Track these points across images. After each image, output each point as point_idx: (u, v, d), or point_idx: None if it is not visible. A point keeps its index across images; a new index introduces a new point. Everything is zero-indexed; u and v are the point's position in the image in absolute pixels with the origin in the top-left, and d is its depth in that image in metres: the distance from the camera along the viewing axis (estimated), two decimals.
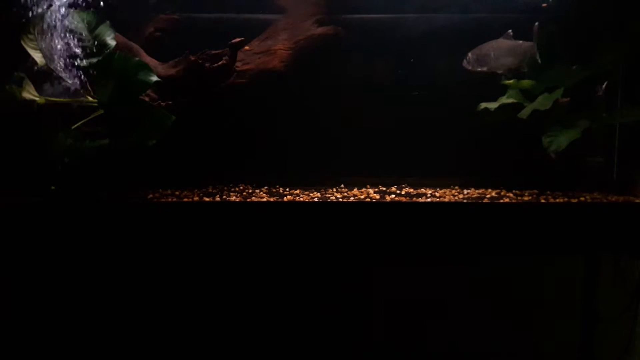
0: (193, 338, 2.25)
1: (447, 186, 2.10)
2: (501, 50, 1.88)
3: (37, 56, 1.79)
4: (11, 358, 2.16)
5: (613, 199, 1.86)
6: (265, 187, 2.07)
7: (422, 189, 2.04)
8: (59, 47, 1.81)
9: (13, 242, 1.71)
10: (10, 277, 2.11)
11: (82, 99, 1.83)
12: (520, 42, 1.90)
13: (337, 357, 2.28)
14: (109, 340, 2.20)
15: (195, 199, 1.81)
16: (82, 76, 1.82)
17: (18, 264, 2.11)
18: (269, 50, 2.12)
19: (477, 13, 2.17)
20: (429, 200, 1.84)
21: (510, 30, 1.88)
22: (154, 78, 1.77)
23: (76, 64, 1.82)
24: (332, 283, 2.25)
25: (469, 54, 1.92)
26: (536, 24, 1.89)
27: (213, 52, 1.99)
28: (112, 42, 1.84)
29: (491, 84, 2.05)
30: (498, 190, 2.01)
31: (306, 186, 2.07)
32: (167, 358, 2.25)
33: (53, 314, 2.17)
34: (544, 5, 2.12)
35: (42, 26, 1.80)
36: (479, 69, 1.87)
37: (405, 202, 1.81)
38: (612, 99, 2.09)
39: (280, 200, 1.81)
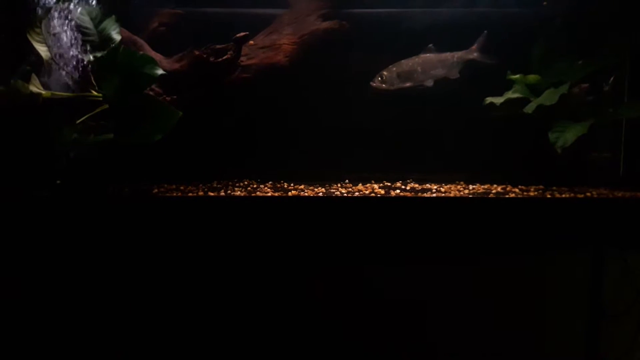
0: (199, 332, 2.25)
1: (452, 182, 2.09)
2: (430, 63, 1.98)
3: (43, 50, 1.79)
4: (16, 354, 2.16)
5: (620, 195, 1.85)
6: (270, 182, 2.07)
7: (427, 185, 2.04)
8: (65, 41, 1.81)
9: (18, 236, 1.71)
10: (15, 271, 2.12)
11: (88, 93, 1.83)
12: (448, 53, 1.99)
13: (341, 354, 2.28)
14: (114, 334, 2.20)
15: (200, 193, 1.81)
16: (88, 70, 1.82)
17: (23, 257, 2.11)
18: (273, 44, 2.12)
19: (482, 7, 2.17)
20: (434, 195, 1.83)
21: (431, 44, 1.98)
22: (159, 71, 1.76)
23: (81, 58, 1.83)
24: (336, 278, 2.24)
25: (384, 73, 1.96)
26: (484, 31, 1.99)
27: (218, 46, 1.98)
28: (117, 37, 1.84)
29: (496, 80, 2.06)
30: (504, 186, 2.00)
31: (311, 181, 2.06)
32: (175, 352, 2.25)
33: (58, 308, 2.17)
34: (545, 3, 2.13)
35: (49, 20, 1.80)
36: (401, 86, 1.94)
37: (410, 197, 1.80)
38: (619, 94, 2.08)
39: (285, 195, 1.81)
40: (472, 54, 2.00)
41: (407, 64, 1.94)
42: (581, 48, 2.03)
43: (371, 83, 1.92)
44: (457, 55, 1.99)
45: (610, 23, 2.06)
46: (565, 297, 2.26)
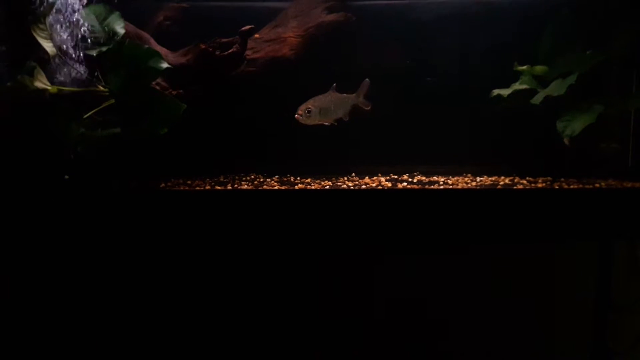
0: (207, 327, 2.26)
1: (459, 174, 2.08)
2: (337, 102, 2.03)
3: (48, 46, 1.79)
4: (24, 351, 2.18)
5: (629, 185, 1.84)
6: (276, 176, 2.07)
7: (434, 177, 2.03)
8: (70, 36, 1.81)
9: (27, 232, 1.72)
10: (23, 267, 2.13)
11: (94, 88, 1.83)
12: (345, 95, 2.05)
13: (348, 349, 2.28)
14: (121, 330, 2.21)
15: (207, 187, 1.81)
16: (93, 65, 1.82)
17: (31, 252, 2.12)
18: (279, 37, 2.11)
19: None
20: (441, 187, 1.83)
21: (334, 84, 2.01)
22: (164, 65, 1.76)
23: (87, 53, 1.83)
24: (344, 271, 2.24)
25: (311, 107, 1.98)
26: (366, 80, 2.02)
27: (223, 40, 1.97)
28: (121, 31, 1.84)
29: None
30: (511, 178, 1.99)
31: (317, 175, 2.06)
32: (187, 345, 2.26)
33: (66, 303, 2.18)
34: None
35: (54, 16, 1.80)
36: (317, 122, 1.99)
37: (417, 190, 1.80)
38: (627, 84, 2.06)
39: (291, 188, 1.81)
40: (358, 98, 2.05)
41: (324, 101, 2.00)
42: (590, 38, 2.01)
43: (296, 116, 1.96)
44: (350, 97, 2.06)
45: (620, 11, 2.04)
46: (573, 288, 2.25)
